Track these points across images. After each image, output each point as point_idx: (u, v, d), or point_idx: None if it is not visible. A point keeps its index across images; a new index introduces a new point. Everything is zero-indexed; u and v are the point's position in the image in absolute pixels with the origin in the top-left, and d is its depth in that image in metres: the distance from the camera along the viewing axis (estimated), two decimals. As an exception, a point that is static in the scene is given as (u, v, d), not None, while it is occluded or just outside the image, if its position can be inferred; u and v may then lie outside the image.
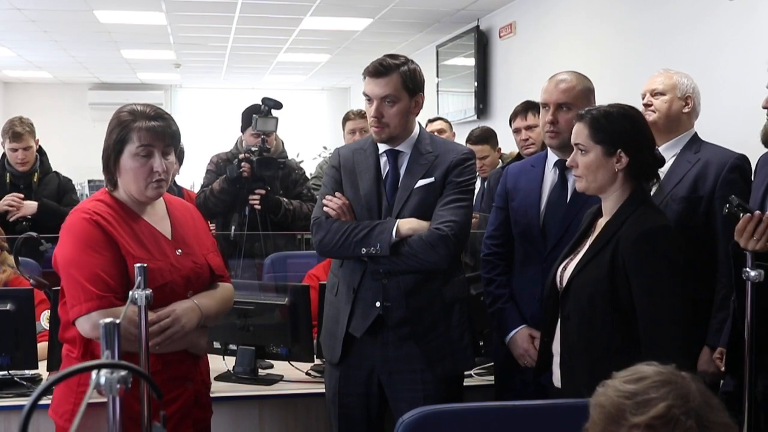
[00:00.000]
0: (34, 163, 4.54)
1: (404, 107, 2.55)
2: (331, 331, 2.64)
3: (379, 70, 2.53)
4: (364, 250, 2.50)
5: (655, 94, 2.92)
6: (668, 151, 2.81)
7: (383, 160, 2.63)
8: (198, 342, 2.31)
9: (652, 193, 2.47)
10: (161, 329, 2.14)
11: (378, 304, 2.54)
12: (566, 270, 2.30)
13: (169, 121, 2.24)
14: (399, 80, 2.52)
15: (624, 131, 2.23)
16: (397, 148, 2.61)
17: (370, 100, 2.56)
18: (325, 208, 2.60)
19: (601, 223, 2.30)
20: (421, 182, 2.56)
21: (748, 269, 2.11)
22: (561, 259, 2.36)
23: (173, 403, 2.22)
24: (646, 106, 2.90)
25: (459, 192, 2.54)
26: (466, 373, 2.78)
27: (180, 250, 2.28)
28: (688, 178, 2.76)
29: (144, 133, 2.17)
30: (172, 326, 2.17)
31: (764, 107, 2.47)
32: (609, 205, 2.27)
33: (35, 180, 4.55)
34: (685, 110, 2.90)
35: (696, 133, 2.91)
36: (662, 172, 2.76)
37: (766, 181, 2.52)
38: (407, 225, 2.51)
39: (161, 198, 2.32)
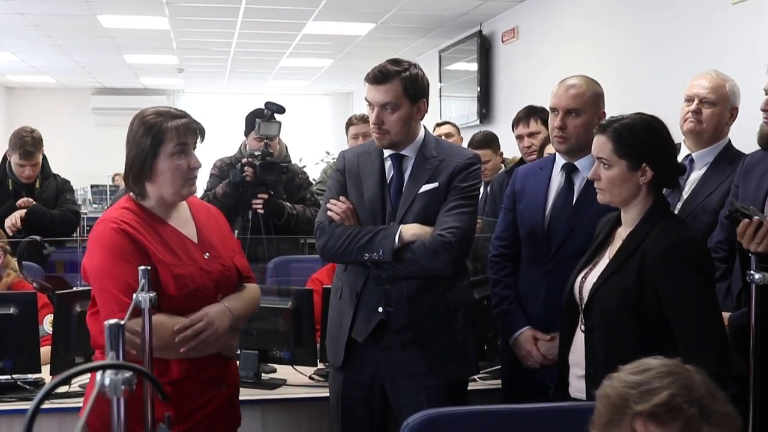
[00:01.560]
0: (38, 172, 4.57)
1: (405, 114, 2.52)
2: (334, 335, 2.64)
3: (378, 77, 2.50)
4: (366, 256, 2.49)
5: (704, 101, 2.76)
6: (701, 159, 2.77)
7: (388, 164, 2.61)
8: (230, 344, 2.32)
9: (680, 203, 2.41)
10: (195, 333, 2.15)
11: (381, 309, 2.52)
12: (586, 281, 2.26)
13: (191, 117, 2.26)
14: (399, 87, 2.49)
15: (648, 144, 2.18)
16: (401, 152, 2.59)
17: (371, 106, 2.55)
18: (328, 213, 2.59)
19: (622, 233, 2.25)
20: (425, 187, 2.54)
21: (752, 272, 2.09)
22: (578, 269, 2.32)
23: (207, 405, 2.22)
24: (695, 112, 2.76)
25: (463, 197, 2.52)
26: (470, 377, 2.76)
27: (208, 254, 2.27)
28: (721, 190, 2.67)
29: (179, 131, 2.18)
30: (206, 330, 2.18)
31: (762, 110, 2.44)
32: (630, 216, 2.23)
33: (38, 186, 4.57)
34: (730, 122, 2.81)
35: (729, 140, 2.83)
36: (693, 181, 2.72)
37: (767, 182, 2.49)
38: (410, 231, 2.49)
39: (184, 201, 2.32)
